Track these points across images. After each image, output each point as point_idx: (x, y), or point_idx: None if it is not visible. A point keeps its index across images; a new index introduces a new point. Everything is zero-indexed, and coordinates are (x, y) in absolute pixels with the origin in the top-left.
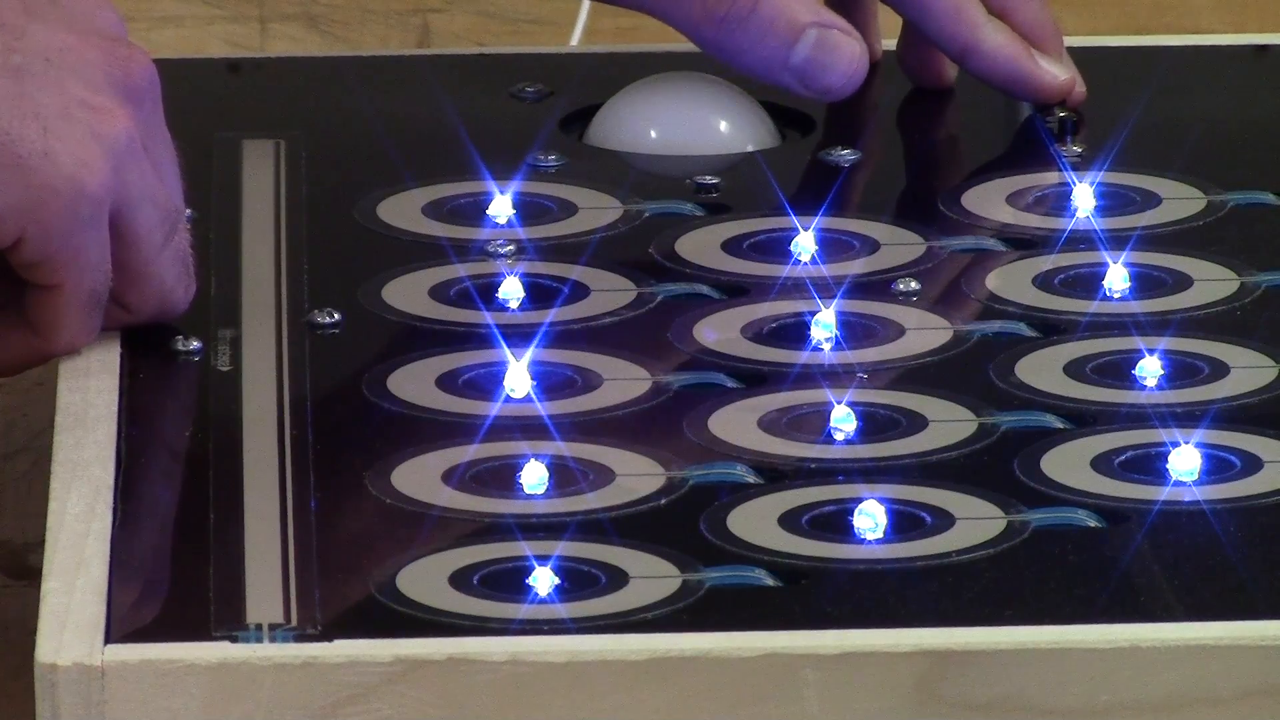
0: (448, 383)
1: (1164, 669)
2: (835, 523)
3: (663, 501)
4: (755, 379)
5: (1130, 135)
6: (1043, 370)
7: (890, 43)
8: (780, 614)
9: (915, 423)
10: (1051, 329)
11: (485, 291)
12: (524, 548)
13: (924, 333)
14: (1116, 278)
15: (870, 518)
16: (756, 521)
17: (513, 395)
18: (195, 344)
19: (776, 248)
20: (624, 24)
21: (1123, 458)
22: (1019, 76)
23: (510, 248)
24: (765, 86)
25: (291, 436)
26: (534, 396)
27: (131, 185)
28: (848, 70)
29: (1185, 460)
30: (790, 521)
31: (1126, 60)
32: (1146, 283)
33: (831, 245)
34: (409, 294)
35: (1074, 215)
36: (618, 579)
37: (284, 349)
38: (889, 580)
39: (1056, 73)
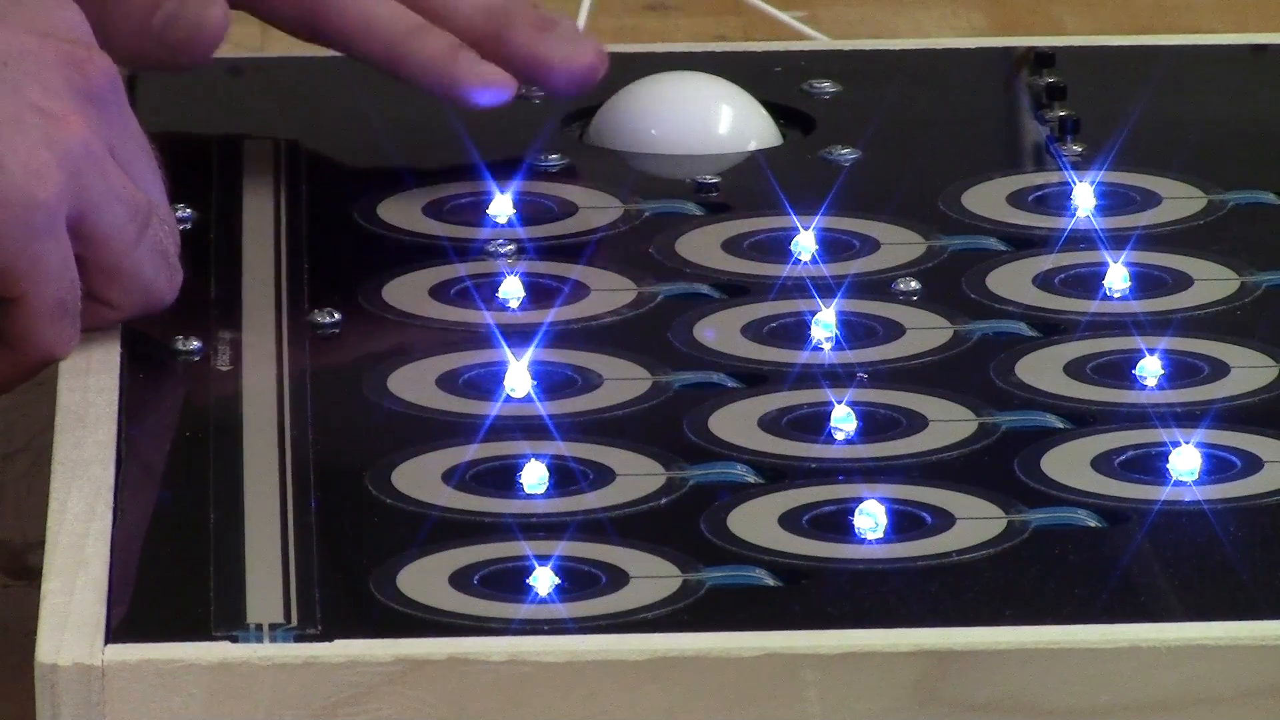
0: (448, 383)
1: (1164, 669)
2: (835, 523)
3: (663, 501)
4: (755, 379)
5: (1130, 135)
6: (1043, 370)
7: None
8: (780, 614)
9: (915, 423)
10: (1051, 329)
11: (485, 291)
12: (524, 548)
13: (924, 333)
14: (1116, 277)
15: (870, 518)
16: (756, 521)
17: (513, 395)
18: (195, 344)
19: (776, 247)
20: (625, 24)
21: (1123, 458)
22: (445, 83)
23: (510, 247)
24: (765, 86)
25: (291, 436)
26: (534, 396)
27: (91, 188)
28: (198, 28)
29: (1185, 460)
30: (790, 521)
31: (1126, 60)
32: (1146, 282)
33: (831, 245)
34: (409, 294)
35: (1074, 215)
36: (618, 579)
37: (284, 349)
38: (889, 580)
39: (485, 73)
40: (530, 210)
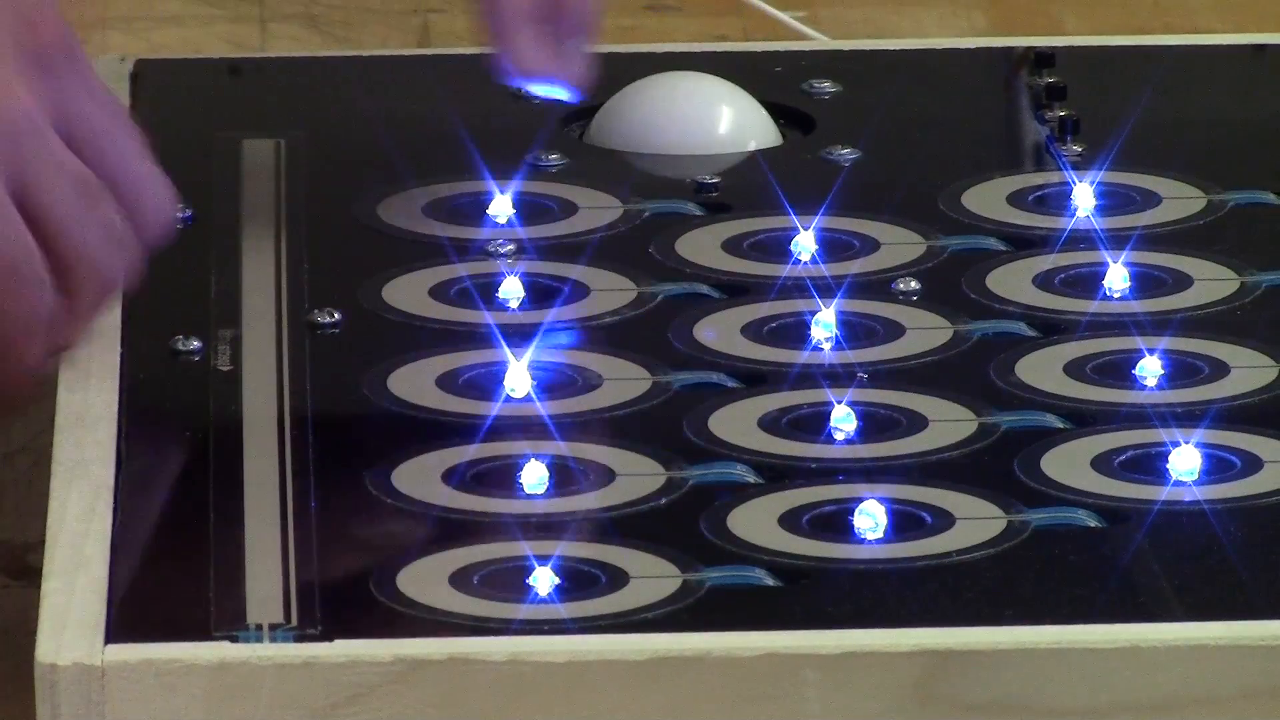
0: (448, 383)
1: (1164, 669)
2: (835, 523)
3: (663, 501)
4: (755, 379)
5: (1130, 135)
6: (1043, 370)
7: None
8: (780, 614)
9: (915, 423)
10: (1051, 329)
11: (485, 291)
12: (524, 548)
13: (924, 333)
14: (1116, 277)
15: (870, 518)
16: (756, 521)
17: (513, 395)
18: (195, 344)
19: (776, 247)
20: (624, 24)
21: (1123, 458)
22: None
23: (510, 247)
24: (765, 86)
25: (291, 436)
26: (534, 396)
27: (32, 160)
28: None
29: (1185, 460)
30: (790, 521)
31: (1126, 60)
32: (1146, 282)
33: (831, 245)
34: (409, 294)
35: (1074, 215)
36: (618, 579)
37: (284, 349)
38: (889, 580)
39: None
40: (530, 210)
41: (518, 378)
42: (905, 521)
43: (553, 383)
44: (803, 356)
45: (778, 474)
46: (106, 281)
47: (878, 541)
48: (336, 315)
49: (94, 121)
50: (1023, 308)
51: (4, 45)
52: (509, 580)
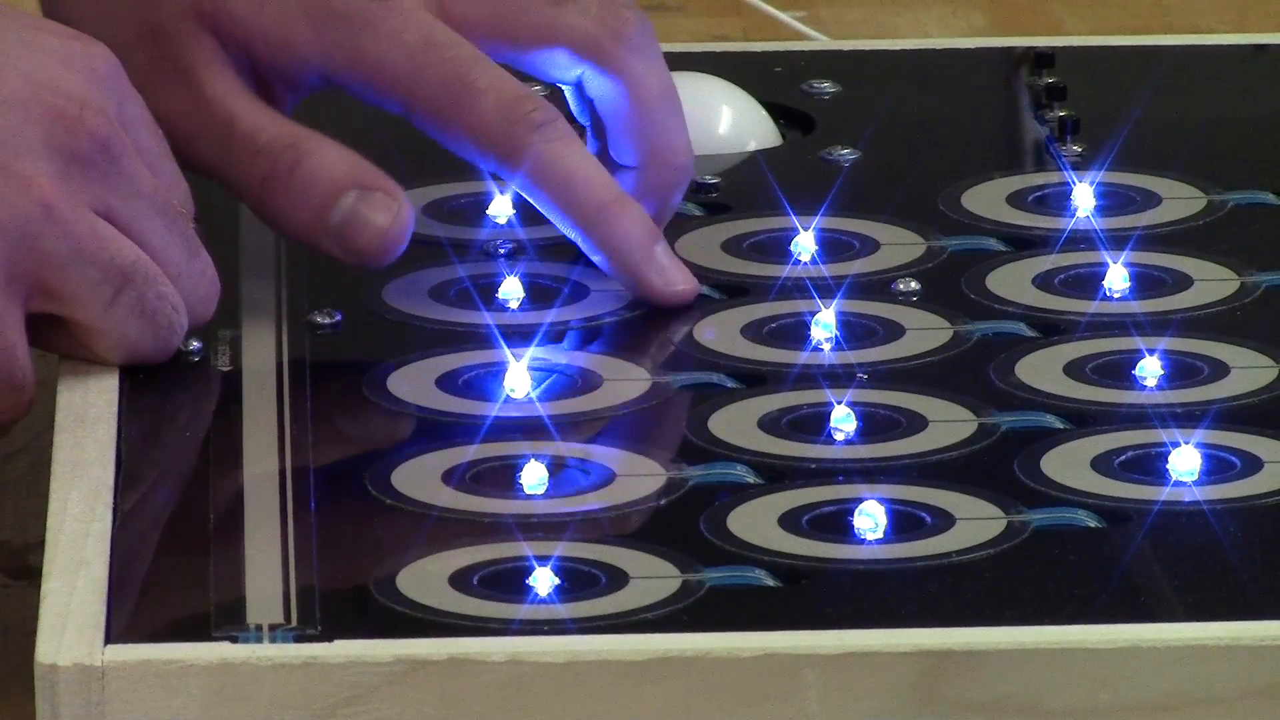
0: (448, 383)
1: (1164, 669)
2: (835, 523)
3: (663, 501)
4: (755, 379)
5: (1130, 135)
6: (1043, 370)
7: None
8: (780, 614)
9: (915, 423)
10: (1051, 329)
11: (485, 291)
12: (524, 548)
13: (924, 333)
14: (1116, 278)
15: (870, 518)
16: (756, 521)
17: (513, 395)
18: (195, 344)
19: (776, 248)
20: None
21: (1123, 458)
22: (627, 273)
23: (510, 248)
24: (765, 86)
25: (291, 436)
26: (534, 396)
27: (51, 250)
28: (380, 235)
29: (1185, 460)
30: (790, 521)
31: (1126, 60)
32: (1146, 283)
33: (831, 245)
34: (409, 294)
35: (1074, 215)
36: (618, 579)
37: (284, 349)
38: (889, 580)
39: (671, 277)
40: (530, 210)
41: (518, 378)
42: (905, 522)
43: (553, 383)
44: (803, 357)
45: (778, 474)
46: (141, 359)
47: (878, 542)
48: (336, 315)
49: (133, 214)
50: (1023, 308)
51: (34, 142)
52: (509, 580)
